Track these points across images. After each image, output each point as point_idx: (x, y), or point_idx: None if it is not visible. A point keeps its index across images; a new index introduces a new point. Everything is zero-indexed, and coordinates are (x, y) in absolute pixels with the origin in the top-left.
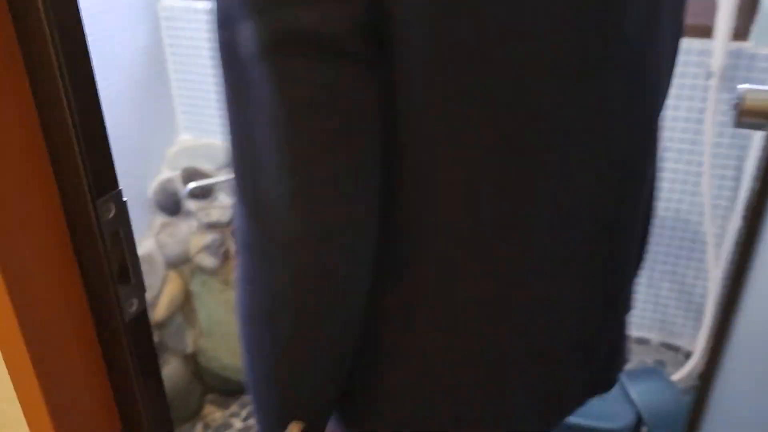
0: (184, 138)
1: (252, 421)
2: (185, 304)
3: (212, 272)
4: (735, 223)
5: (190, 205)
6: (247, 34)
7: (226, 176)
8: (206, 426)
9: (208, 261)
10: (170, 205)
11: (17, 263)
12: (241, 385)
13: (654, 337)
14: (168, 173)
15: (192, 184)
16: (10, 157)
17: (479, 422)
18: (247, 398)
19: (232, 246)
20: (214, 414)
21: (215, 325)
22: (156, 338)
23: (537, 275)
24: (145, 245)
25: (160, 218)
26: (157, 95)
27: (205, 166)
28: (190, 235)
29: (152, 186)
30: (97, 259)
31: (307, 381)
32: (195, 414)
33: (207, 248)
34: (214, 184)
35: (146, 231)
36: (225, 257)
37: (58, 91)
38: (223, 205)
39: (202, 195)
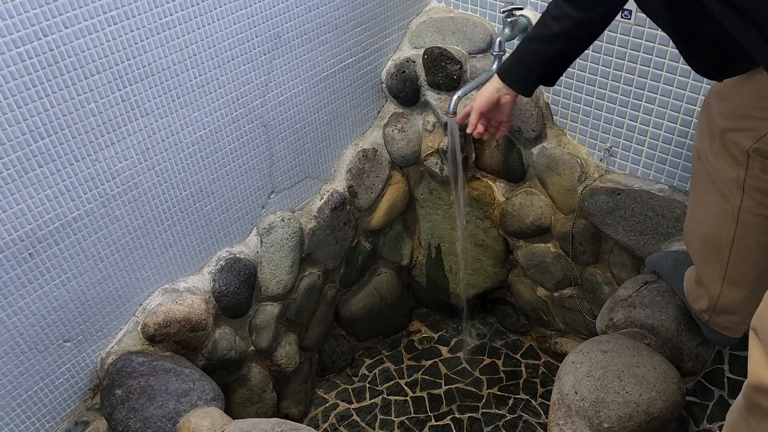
0: (435, 6)
1: (460, 353)
2: (407, 211)
3: (444, 181)
4: None
5: (430, 96)
6: None
7: (486, 76)
8: (411, 345)
9: (441, 167)
10: (406, 93)
11: None
12: (454, 308)
13: None
14: (408, 51)
15: (459, 93)
16: None
17: None
18: (455, 324)
19: (472, 154)
20: (421, 333)
21: (437, 241)
22: (369, 245)
23: None
24: (370, 137)
25: (392, 107)
26: None
27: (454, 46)
28: (424, 132)
29: (387, 66)
30: None
31: None
32: (401, 328)
33: (442, 152)
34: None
35: (374, 120)
36: (462, 166)
37: None
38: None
39: (445, 86)
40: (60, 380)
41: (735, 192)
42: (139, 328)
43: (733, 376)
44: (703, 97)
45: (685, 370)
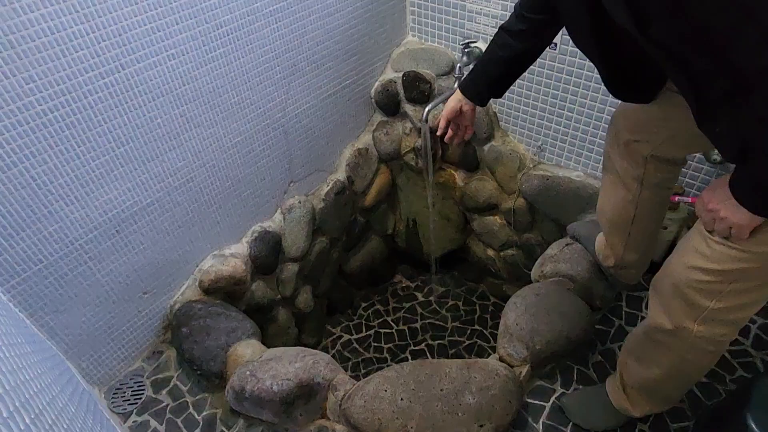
0: (410, 39)
1: (431, 297)
2: (391, 194)
3: (417, 171)
4: None
5: (408, 108)
6: None
7: (449, 93)
8: (395, 292)
9: (416, 161)
10: (389, 106)
11: None
12: (426, 264)
13: None
14: (391, 74)
15: (429, 105)
16: None
17: None
18: (427, 276)
19: (439, 151)
20: (402, 283)
21: (413, 216)
22: (363, 220)
23: None
24: (363, 139)
25: (379, 117)
26: None
27: (425, 70)
28: (403, 135)
29: (375, 85)
30: None
31: None
32: (388, 280)
33: (417, 150)
34: (437, 98)
35: (366, 126)
36: (432, 160)
37: None
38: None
39: (419, 100)
40: (141, 322)
41: (636, 186)
42: (196, 284)
43: (629, 310)
44: (609, 107)
45: (595, 306)
